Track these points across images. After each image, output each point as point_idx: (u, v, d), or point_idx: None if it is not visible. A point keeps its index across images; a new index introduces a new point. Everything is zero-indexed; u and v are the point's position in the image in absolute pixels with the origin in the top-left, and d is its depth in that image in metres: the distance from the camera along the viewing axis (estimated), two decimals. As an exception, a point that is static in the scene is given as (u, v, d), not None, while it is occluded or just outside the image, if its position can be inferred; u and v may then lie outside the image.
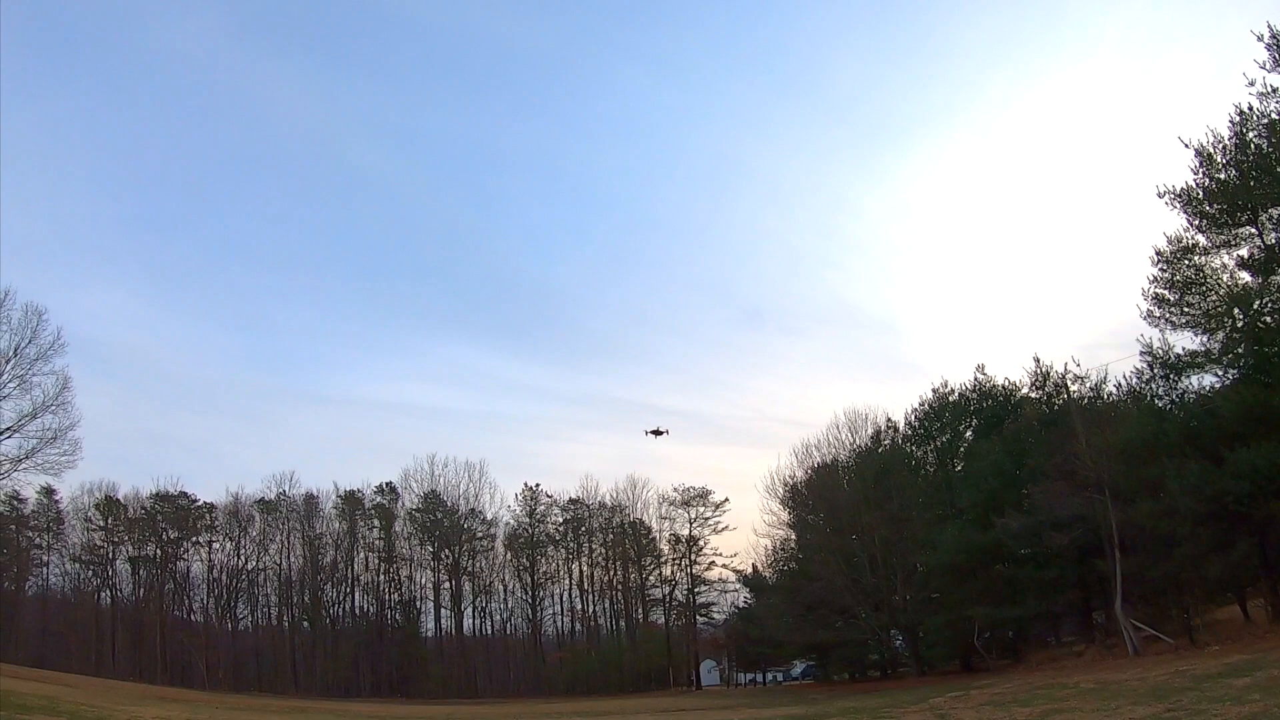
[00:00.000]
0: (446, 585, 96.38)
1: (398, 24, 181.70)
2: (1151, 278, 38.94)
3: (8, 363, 49.93)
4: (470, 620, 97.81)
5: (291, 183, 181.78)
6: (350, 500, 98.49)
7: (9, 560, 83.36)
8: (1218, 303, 36.32)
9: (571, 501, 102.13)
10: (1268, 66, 33.15)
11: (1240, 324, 35.26)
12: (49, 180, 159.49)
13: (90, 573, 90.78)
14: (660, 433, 74.96)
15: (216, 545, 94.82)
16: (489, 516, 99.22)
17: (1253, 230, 35.27)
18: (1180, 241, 37.59)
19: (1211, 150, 35.45)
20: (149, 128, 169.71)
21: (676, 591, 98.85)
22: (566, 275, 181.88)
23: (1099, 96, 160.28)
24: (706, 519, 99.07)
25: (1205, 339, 37.30)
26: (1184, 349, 38.46)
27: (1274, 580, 38.08)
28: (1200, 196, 36.12)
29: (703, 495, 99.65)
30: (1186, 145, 36.06)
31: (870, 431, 67.37)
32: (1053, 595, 46.52)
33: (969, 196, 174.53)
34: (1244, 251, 36.09)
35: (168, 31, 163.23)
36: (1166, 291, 38.32)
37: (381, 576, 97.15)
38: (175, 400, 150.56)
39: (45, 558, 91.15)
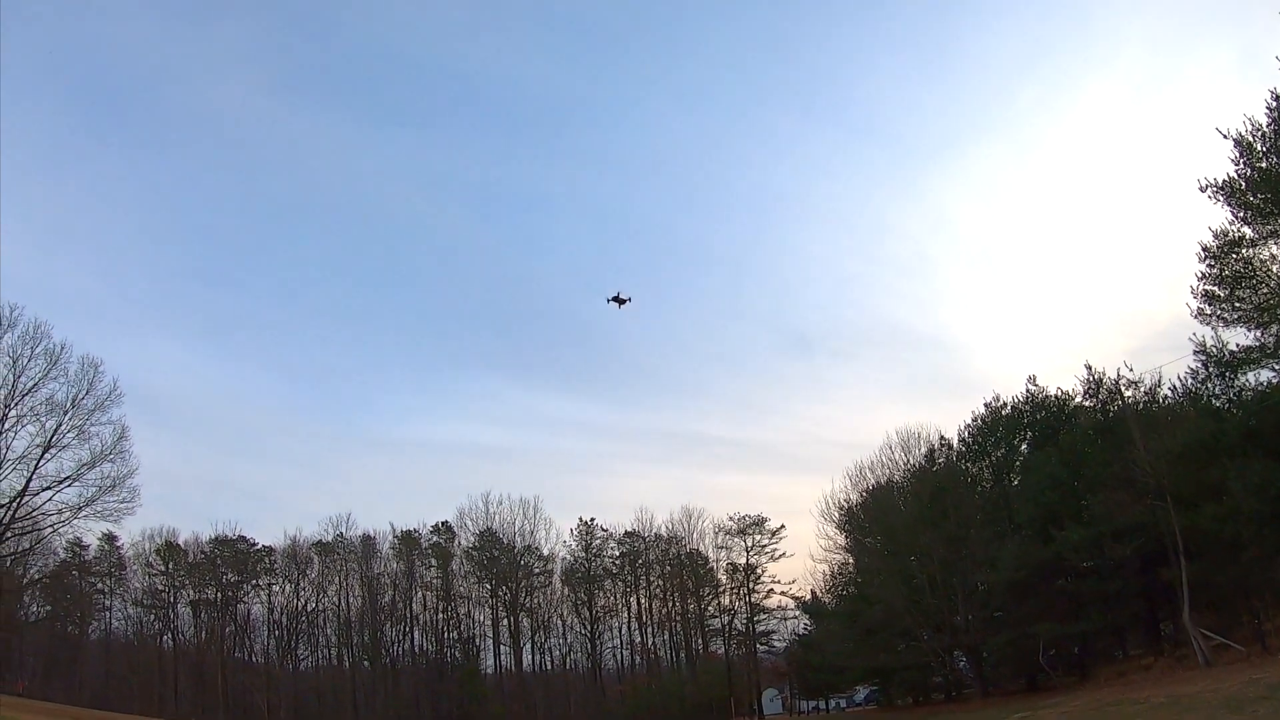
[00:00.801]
0: (505, 622, 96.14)
1: (436, 74, 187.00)
2: (1199, 274, 37.91)
3: (66, 414, 50.82)
4: (529, 656, 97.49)
5: (339, 232, 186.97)
6: (407, 540, 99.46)
7: (72, 605, 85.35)
8: (1269, 295, 35.16)
9: (627, 535, 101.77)
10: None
11: (1294, 317, 34.07)
12: (104, 236, 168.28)
13: (152, 616, 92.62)
14: (622, 300, 71.12)
15: (276, 587, 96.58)
16: (545, 552, 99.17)
17: (1299, 218, 34.17)
18: (1226, 235, 36.49)
19: (1250, 139, 34.53)
20: (200, 182, 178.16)
21: (736, 621, 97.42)
22: (614, 312, 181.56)
23: (1130, 97, 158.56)
24: (763, 547, 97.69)
25: (1259, 333, 36.15)
26: (1238, 345, 37.33)
27: (1348, 580, 36.48)
28: (1243, 187, 35.13)
29: (759, 523, 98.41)
30: (1225, 135, 35.21)
31: (924, 450, 66.03)
32: (1117, 607, 45.15)
33: (1008, 208, 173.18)
34: (1292, 241, 34.96)
35: (215, 89, 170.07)
36: (1216, 287, 37.20)
37: (440, 615, 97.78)
38: (232, 447, 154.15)
39: (108, 602, 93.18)
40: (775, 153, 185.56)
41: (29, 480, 49.76)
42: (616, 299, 70.14)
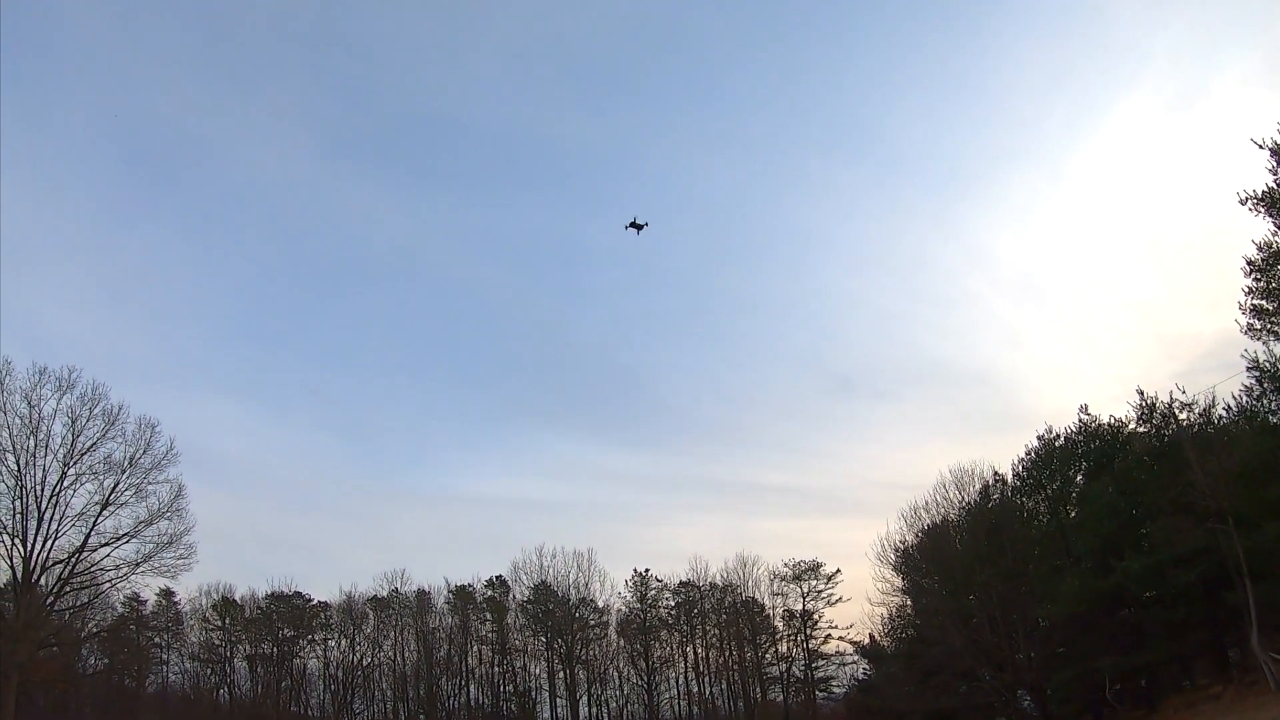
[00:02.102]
0: (561, 674, 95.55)
1: (473, 133, 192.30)
2: (1246, 289, 37.34)
3: (124, 472, 52.82)
4: (586, 708, 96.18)
5: (386, 291, 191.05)
6: (461, 594, 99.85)
7: (129, 659, 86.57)
8: (1318, 305, 34.40)
9: (682, 584, 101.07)
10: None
11: (1345, 324, 33.25)
12: (159, 300, 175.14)
13: (209, 670, 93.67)
14: (640, 226, 69.93)
15: (331, 642, 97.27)
16: (600, 604, 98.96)
17: (1342, 223, 33.52)
18: (1270, 247, 35.98)
19: (1287, 148, 34.07)
20: (251, 246, 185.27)
21: (794, 668, 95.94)
22: (654, 360, 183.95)
23: (1159, 113, 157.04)
24: (819, 592, 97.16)
25: (1312, 345, 35.26)
26: (1292, 359, 36.40)
27: None
28: (1282, 196, 34.62)
29: (814, 568, 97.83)
30: (1260, 146, 34.79)
31: (978, 487, 64.84)
32: (1183, 636, 43.56)
33: (1044, 234, 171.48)
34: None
35: (264, 154, 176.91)
36: (1264, 301, 36.62)
37: (495, 669, 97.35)
38: (287, 504, 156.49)
39: (165, 656, 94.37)
40: (808, 194, 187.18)
41: (87, 536, 51.68)
42: (634, 225, 69.62)
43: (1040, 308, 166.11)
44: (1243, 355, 38.43)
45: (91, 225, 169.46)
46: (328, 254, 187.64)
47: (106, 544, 52.12)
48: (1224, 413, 45.13)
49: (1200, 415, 46.76)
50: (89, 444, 52.10)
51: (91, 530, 51.46)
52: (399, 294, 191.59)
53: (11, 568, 50.12)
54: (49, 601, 51.99)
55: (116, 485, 52.27)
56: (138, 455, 53.16)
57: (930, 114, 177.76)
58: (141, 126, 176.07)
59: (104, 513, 51.76)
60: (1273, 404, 39.18)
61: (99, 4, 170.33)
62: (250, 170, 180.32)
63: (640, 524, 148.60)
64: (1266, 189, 35.54)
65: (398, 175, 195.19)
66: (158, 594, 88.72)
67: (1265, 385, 38.55)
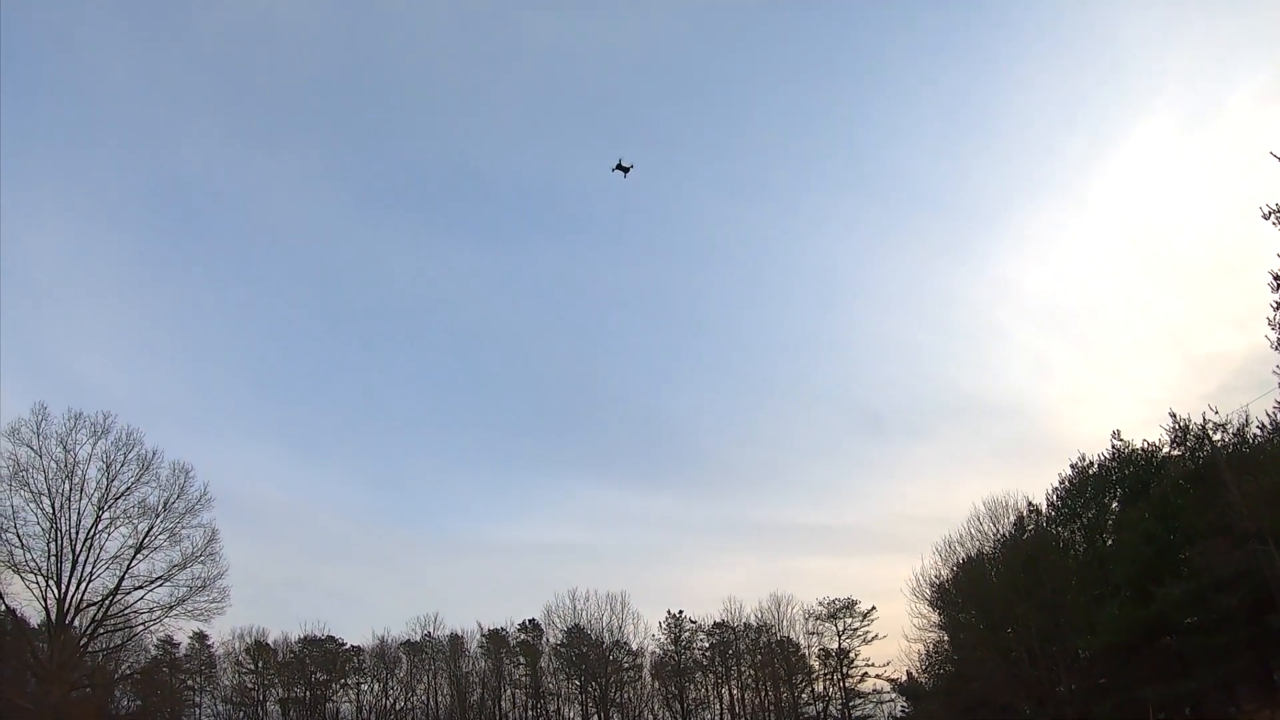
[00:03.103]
0: (595, 718, 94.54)
1: (500, 182, 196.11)
2: (1274, 304, 36.93)
3: (158, 517, 53.29)
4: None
5: (416, 340, 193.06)
6: (495, 639, 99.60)
7: (162, 701, 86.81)
8: (1347, 316, 33.90)
9: (716, 625, 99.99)
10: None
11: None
12: (194, 351, 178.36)
13: (241, 714, 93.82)
14: (626, 168, 69.97)
15: (364, 686, 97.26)
16: (634, 647, 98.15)
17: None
18: (1295, 259, 35.55)
19: (1306, 158, 33.88)
20: (282, 296, 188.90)
21: (831, 707, 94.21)
22: (684, 403, 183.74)
23: (1175, 134, 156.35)
24: (855, 630, 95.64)
25: (1342, 357, 34.70)
26: (1322, 372, 35.82)
27: None
28: (1305, 209, 34.36)
29: (849, 606, 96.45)
30: (1278, 158, 34.58)
31: (1012, 519, 64.12)
32: (1228, 661, 42.41)
33: (1067, 263, 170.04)
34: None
35: (291, 203, 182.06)
36: (1291, 316, 36.06)
37: (529, 712, 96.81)
38: (320, 550, 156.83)
39: (198, 699, 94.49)
40: (832, 234, 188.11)
41: (121, 579, 52.09)
42: (620, 167, 69.63)
43: (1068, 336, 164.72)
44: (1275, 371, 37.81)
45: (127, 273, 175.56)
46: (357, 302, 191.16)
47: (140, 587, 52.54)
48: (1258, 431, 44.44)
49: (1234, 435, 46.20)
50: (123, 488, 52.79)
51: (125, 573, 51.92)
52: (427, 341, 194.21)
53: (46, 609, 50.50)
54: (82, 643, 52.34)
55: (150, 529, 52.83)
56: (172, 500, 53.79)
57: (950, 149, 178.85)
58: (175, 176, 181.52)
59: (138, 556, 52.26)
60: (1308, 419, 38.53)
61: (135, 56, 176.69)
62: (281, 219, 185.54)
63: (673, 566, 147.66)
64: (1288, 202, 35.30)
65: (425, 223, 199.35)
66: (191, 637, 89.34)
67: (1299, 401, 37.94)
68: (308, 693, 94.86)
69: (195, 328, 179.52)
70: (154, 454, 54.18)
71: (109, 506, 52.23)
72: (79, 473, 51.97)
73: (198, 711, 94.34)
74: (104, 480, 52.35)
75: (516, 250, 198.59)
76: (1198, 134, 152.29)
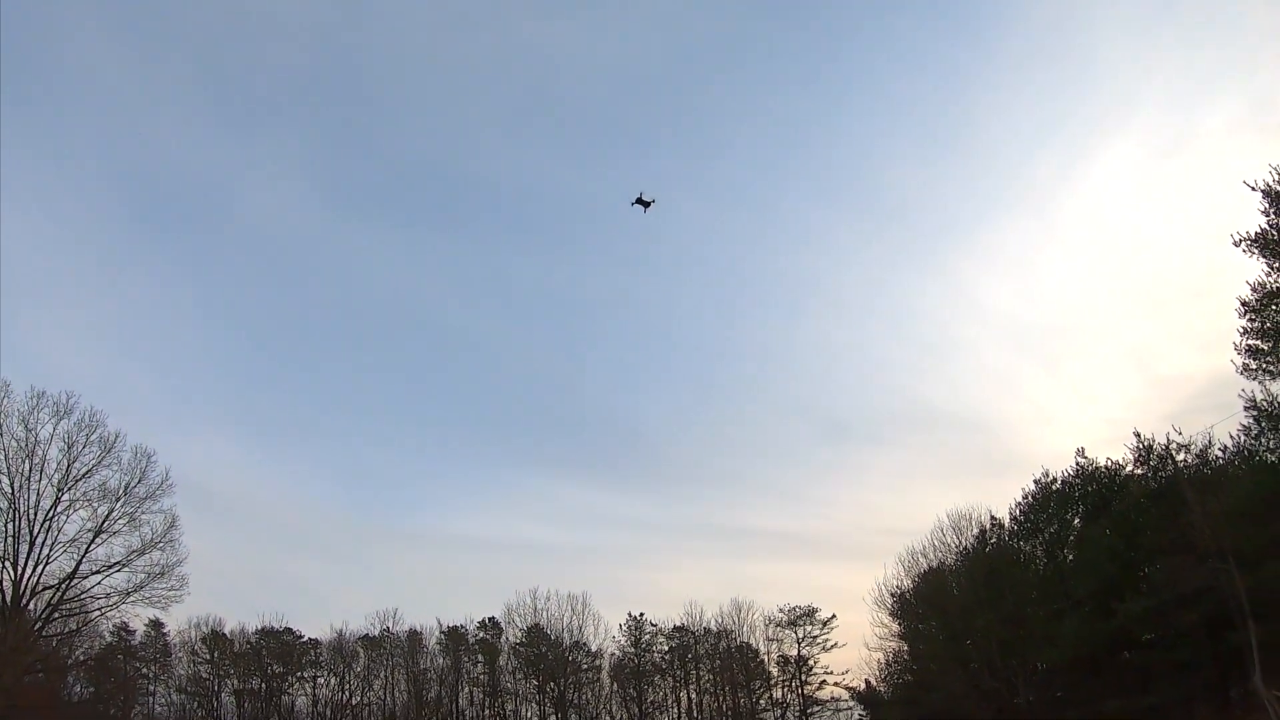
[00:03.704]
0: (552, 718, 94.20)
1: (477, 183, 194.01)
2: (1241, 329, 37.90)
3: (118, 501, 52.37)
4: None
5: (387, 336, 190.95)
6: (454, 636, 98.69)
7: (116, 689, 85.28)
8: (1313, 344, 34.85)
9: (676, 629, 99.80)
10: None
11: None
12: (161, 337, 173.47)
13: (196, 704, 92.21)
14: (647, 202, 68.48)
15: (321, 680, 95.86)
16: (593, 648, 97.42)
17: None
18: (1264, 287, 36.55)
19: (1279, 189, 34.74)
20: (252, 288, 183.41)
21: (788, 714, 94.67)
22: (653, 407, 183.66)
23: (1147, 159, 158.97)
24: (815, 638, 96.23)
25: (1307, 383, 35.65)
26: (1287, 397, 36.75)
27: None
28: (1275, 238, 35.34)
29: (809, 614, 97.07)
30: (1253, 188, 35.50)
31: (975, 532, 64.98)
32: (1186, 677, 43.23)
33: (1034, 281, 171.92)
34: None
35: (266, 198, 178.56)
36: (1259, 341, 37.08)
37: (486, 711, 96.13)
38: (280, 541, 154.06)
39: (152, 688, 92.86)
40: (807, 246, 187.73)
41: (79, 563, 51.22)
42: (640, 201, 66.49)
43: (1034, 353, 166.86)
44: (1240, 395, 38.86)
45: (97, 257, 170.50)
46: (330, 296, 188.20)
47: (98, 571, 51.68)
48: (1220, 453, 45.32)
49: (1197, 456, 46.89)
50: (84, 470, 51.89)
51: (83, 557, 50.99)
52: (398, 337, 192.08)
53: (1, 591, 49.55)
54: (37, 627, 51.21)
55: (110, 513, 51.92)
56: (132, 484, 52.88)
57: (925, 165, 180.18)
58: (150, 166, 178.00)
59: (96, 540, 51.36)
60: (1271, 442, 39.38)
61: (113, 47, 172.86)
62: (257, 211, 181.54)
63: (635, 568, 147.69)
64: (1260, 230, 36.21)
65: (403, 222, 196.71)
66: (147, 624, 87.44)
67: (1263, 424, 38.80)
68: (263, 685, 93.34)
69: (166, 316, 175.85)
70: (116, 437, 53.30)
71: (69, 488, 51.37)
72: (39, 453, 51.17)
73: (151, 701, 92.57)
74: (65, 461, 51.52)
75: (493, 252, 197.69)
76: (1169, 160, 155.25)
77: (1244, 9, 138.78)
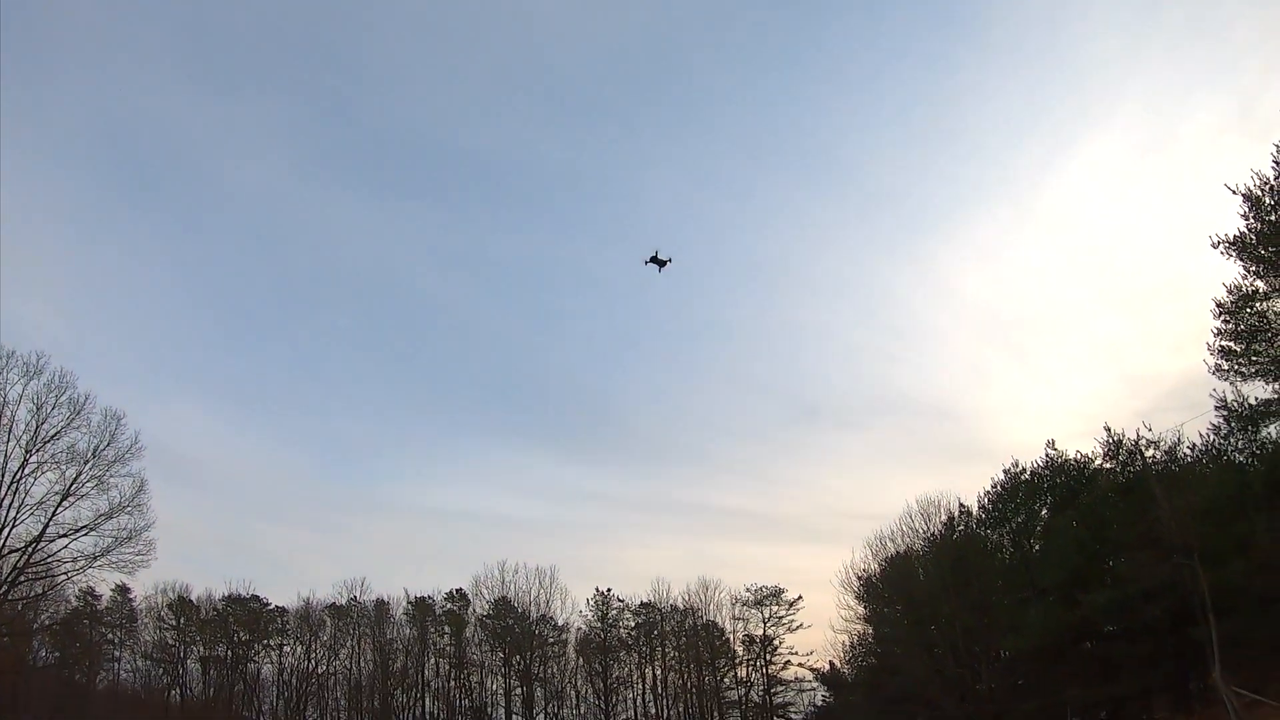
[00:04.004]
0: (518, 691, 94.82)
1: (452, 152, 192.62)
2: (1215, 330, 38.25)
3: (86, 463, 51.41)
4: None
5: (359, 305, 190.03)
6: (421, 606, 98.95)
7: (81, 654, 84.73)
8: (1286, 347, 35.41)
9: (643, 605, 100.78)
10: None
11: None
12: (133, 300, 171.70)
13: (161, 670, 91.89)
14: (662, 262, 67.58)
15: (287, 648, 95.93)
16: (560, 622, 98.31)
17: (1312, 268, 34.63)
18: (1240, 290, 37.00)
19: (1260, 193, 35.19)
20: (225, 253, 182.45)
21: (752, 693, 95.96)
22: (625, 383, 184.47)
23: (1129, 156, 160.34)
24: (780, 618, 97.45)
25: (1277, 386, 36.23)
26: (1257, 399, 37.38)
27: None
28: (1253, 241, 35.72)
29: (775, 594, 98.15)
30: (1233, 191, 35.91)
31: (943, 519, 65.60)
32: (1147, 669, 43.97)
33: (1010, 273, 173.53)
34: (1305, 292, 35.37)
35: (241, 163, 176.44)
36: (1232, 342, 37.53)
37: (452, 683, 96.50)
38: (249, 508, 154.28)
39: (117, 653, 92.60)
40: (785, 227, 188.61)
41: (46, 526, 50.31)
42: (655, 260, 64.78)
43: (1006, 344, 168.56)
44: (1211, 394, 39.33)
45: (69, 215, 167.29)
46: (303, 263, 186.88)
47: (65, 535, 50.75)
48: (1189, 451, 45.99)
49: (1166, 453, 47.53)
50: (53, 432, 50.99)
51: (50, 520, 50.11)
52: (372, 308, 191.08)
53: (-35, 554, 48.93)
54: (2, 590, 50.52)
55: (78, 476, 50.98)
56: (101, 447, 51.94)
57: (904, 151, 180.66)
58: (127, 129, 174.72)
59: (64, 503, 50.42)
60: (1239, 443, 40.07)
61: (92, 8, 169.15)
62: (233, 173, 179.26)
63: (604, 544, 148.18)
64: (1239, 233, 36.59)
65: (377, 189, 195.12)
66: (113, 590, 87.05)
67: (1233, 424, 39.43)
68: (229, 652, 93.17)
69: (137, 277, 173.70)
70: (86, 399, 52.36)
71: (37, 450, 50.47)
72: (8, 413, 50.30)
73: (117, 667, 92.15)
74: (33, 422, 50.62)
75: (470, 223, 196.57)
76: (1150, 158, 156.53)
77: (1231, 14, 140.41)
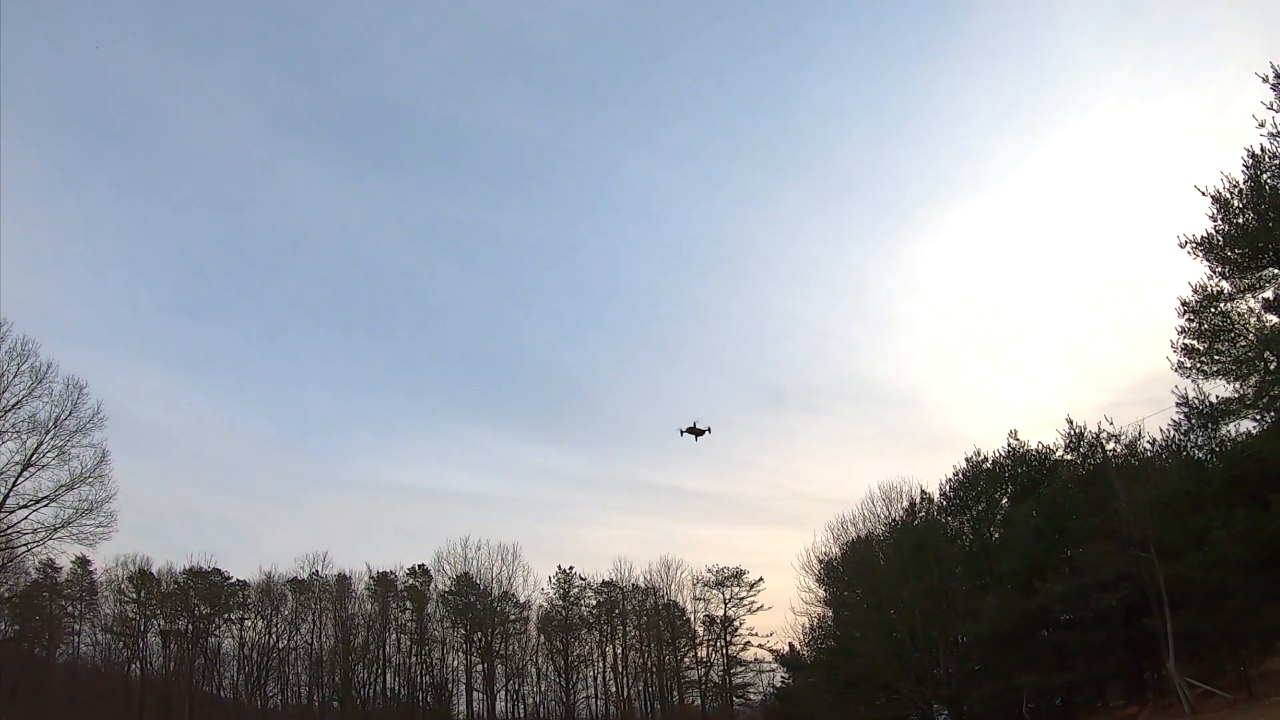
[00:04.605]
0: (479, 668, 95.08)
1: (424, 122, 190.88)
2: (1179, 328, 38.86)
3: (48, 433, 50.42)
4: (503, 703, 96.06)
5: (325, 273, 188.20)
6: (383, 582, 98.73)
7: (41, 627, 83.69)
8: (1247, 348, 36.14)
9: (605, 584, 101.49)
10: (1275, 107, 33.67)
11: (1273, 366, 34.98)
12: (94, 262, 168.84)
13: (121, 644, 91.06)
14: (700, 431, 66.22)
15: (248, 623, 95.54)
16: (522, 599, 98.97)
17: (1276, 271, 35.33)
18: (1205, 290, 37.65)
19: (1228, 195, 35.79)
20: (190, 217, 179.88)
21: (712, 673, 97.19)
22: (591, 362, 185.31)
23: (1100, 153, 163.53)
24: (741, 599, 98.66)
25: (1238, 385, 37.02)
26: (1218, 397, 38.14)
27: (1332, 626, 36.90)
28: (1221, 243, 36.35)
29: (737, 575, 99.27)
30: (1203, 193, 36.48)
31: (905, 505, 66.29)
32: (1102, 658, 45.02)
33: (979, 264, 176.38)
34: (1269, 294, 36.07)
35: (208, 125, 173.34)
36: (1195, 341, 38.15)
37: (413, 658, 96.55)
38: (211, 480, 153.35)
39: (77, 626, 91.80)
40: (755, 210, 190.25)
41: (5, 497, 49.44)
42: (693, 430, 66.47)
43: (972, 335, 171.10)
44: (1173, 391, 39.96)
45: (32, 180, 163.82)
46: (268, 229, 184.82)
47: (24, 506, 49.87)
48: (1149, 445, 46.91)
49: (1126, 447, 48.42)
50: (14, 401, 49.76)
51: (10, 491, 49.30)
52: (339, 276, 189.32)
53: (-75, 526, 47.97)
54: (-39, 562, 49.93)
55: (39, 446, 49.94)
56: (63, 416, 50.85)
57: (878, 140, 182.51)
58: (91, 87, 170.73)
59: (24, 474, 49.49)
60: (1199, 439, 40.91)
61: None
62: (197, 135, 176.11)
63: (567, 522, 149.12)
64: (1207, 235, 37.21)
65: (346, 156, 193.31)
66: (73, 562, 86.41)
67: (1193, 421, 40.20)
68: (190, 626, 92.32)
69: (98, 238, 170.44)
70: (48, 367, 51.11)
71: (-3, 419, 49.60)
72: (-33, 380, 49.14)
73: (76, 640, 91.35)
74: (-7, 391, 49.58)
75: (439, 194, 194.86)
76: (1121, 155, 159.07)
77: (1208, 19, 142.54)
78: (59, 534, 51.03)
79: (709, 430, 66.60)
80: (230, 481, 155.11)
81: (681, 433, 67.01)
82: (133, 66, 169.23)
